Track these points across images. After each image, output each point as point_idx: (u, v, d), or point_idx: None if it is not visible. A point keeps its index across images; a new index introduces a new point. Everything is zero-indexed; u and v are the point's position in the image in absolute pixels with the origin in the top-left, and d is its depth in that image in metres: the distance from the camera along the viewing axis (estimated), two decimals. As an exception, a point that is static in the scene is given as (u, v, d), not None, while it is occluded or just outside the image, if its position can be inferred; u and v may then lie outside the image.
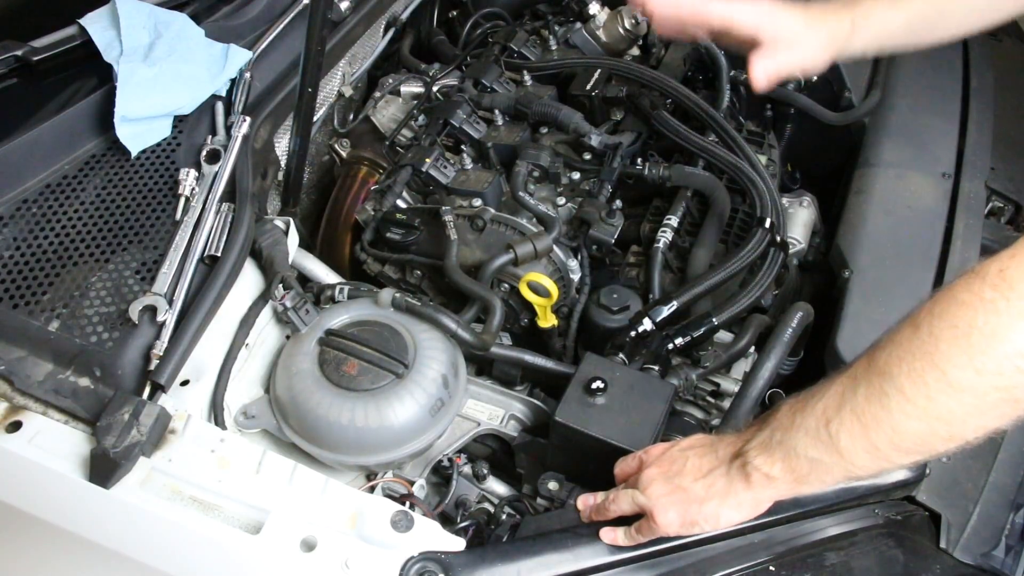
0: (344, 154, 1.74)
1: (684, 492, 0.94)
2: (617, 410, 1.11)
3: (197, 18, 1.48)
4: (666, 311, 1.26)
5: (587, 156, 1.55)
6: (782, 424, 0.87)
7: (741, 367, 1.33)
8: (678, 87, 1.56)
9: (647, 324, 1.26)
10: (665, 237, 1.41)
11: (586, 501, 1.05)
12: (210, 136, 1.35)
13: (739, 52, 1.26)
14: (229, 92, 1.42)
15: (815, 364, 1.31)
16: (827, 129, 1.70)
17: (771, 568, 1.00)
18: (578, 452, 1.12)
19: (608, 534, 1.00)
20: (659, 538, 0.98)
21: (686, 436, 1.20)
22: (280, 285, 1.24)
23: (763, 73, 1.21)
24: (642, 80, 1.60)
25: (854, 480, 0.85)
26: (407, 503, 1.13)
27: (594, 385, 1.12)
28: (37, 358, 1.11)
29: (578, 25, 1.86)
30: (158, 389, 1.09)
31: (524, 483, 1.25)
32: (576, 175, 1.54)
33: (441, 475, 1.27)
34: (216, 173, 1.30)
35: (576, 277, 1.45)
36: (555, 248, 1.40)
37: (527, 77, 1.71)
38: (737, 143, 1.48)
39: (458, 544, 1.00)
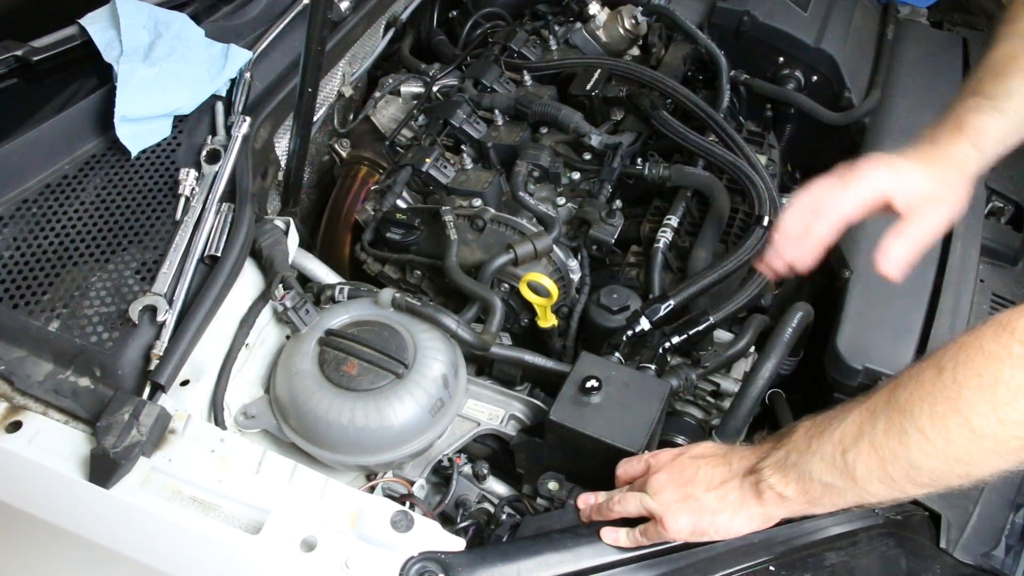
0: (344, 154, 1.74)
1: (696, 501, 0.95)
2: (612, 409, 1.11)
3: (197, 18, 1.48)
4: (663, 310, 1.27)
5: (587, 156, 1.55)
6: (798, 446, 0.89)
7: (741, 367, 1.33)
8: (678, 87, 1.56)
9: (644, 323, 1.26)
10: (665, 237, 1.41)
11: (586, 501, 1.06)
12: (210, 136, 1.35)
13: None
14: (229, 92, 1.41)
15: (815, 364, 1.31)
16: (827, 129, 1.70)
17: (771, 568, 0.99)
18: (574, 451, 1.12)
19: (609, 534, 1.00)
20: (658, 539, 0.98)
21: (686, 436, 1.20)
22: (280, 285, 1.24)
23: (895, 267, 1.04)
24: (642, 80, 1.60)
25: (866, 505, 0.86)
26: (407, 503, 1.13)
27: (588, 384, 1.11)
28: (37, 358, 1.11)
29: (578, 25, 1.86)
30: (158, 389, 1.09)
31: (524, 483, 1.25)
32: (576, 175, 1.54)
33: (441, 475, 1.27)
34: (216, 173, 1.30)
35: (576, 277, 1.44)
36: (555, 248, 1.40)
37: (527, 77, 1.71)
38: (737, 143, 1.48)
39: (458, 544, 1.00)
